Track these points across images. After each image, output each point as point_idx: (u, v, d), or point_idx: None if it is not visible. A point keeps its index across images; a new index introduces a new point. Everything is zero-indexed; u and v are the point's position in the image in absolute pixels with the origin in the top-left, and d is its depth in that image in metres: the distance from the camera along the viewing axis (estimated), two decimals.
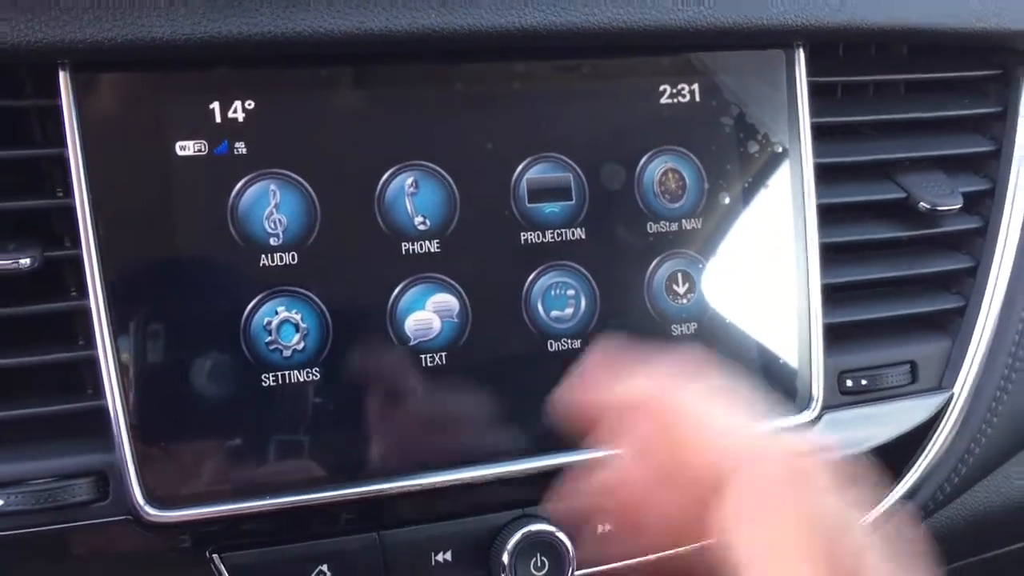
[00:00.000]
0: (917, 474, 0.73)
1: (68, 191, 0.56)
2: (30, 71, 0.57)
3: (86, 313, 0.56)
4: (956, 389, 0.73)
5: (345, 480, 0.59)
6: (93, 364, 0.56)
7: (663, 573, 0.63)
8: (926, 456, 0.73)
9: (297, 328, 0.59)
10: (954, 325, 0.75)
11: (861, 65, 0.75)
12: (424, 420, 0.61)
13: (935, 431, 0.73)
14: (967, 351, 0.74)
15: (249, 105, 0.59)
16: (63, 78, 0.55)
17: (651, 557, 0.62)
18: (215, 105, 0.58)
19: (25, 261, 0.55)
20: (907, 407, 0.72)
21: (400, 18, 0.58)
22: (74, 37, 0.53)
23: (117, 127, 0.57)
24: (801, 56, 0.69)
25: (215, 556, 0.57)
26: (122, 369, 0.56)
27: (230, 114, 0.58)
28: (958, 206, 0.73)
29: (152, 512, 0.56)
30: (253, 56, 0.58)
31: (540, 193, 0.64)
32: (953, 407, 0.73)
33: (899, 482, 0.73)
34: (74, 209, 0.55)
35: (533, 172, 0.64)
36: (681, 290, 0.67)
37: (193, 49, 0.56)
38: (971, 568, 0.90)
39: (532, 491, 0.62)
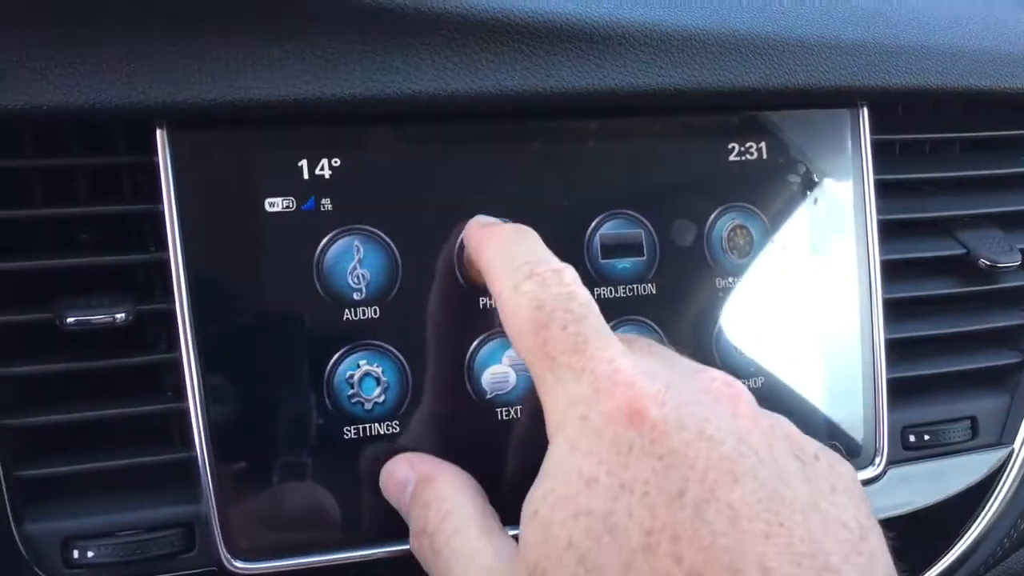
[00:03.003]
0: (978, 530, 0.74)
1: (161, 246, 0.57)
2: (124, 129, 0.58)
3: (174, 365, 0.57)
4: (1016, 444, 0.74)
5: None
6: (181, 416, 0.57)
7: None
8: (987, 513, 0.74)
9: (378, 381, 0.60)
10: (1013, 380, 0.76)
11: (920, 123, 0.76)
12: (501, 472, 0.62)
13: (996, 487, 0.74)
14: None
15: (335, 163, 0.60)
16: (160, 136, 0.57)
17: None
18: (303, 163, 0.59)
19: (120, 316, 0.56)
20: (968, 462, 0.73)
21: (486, 81, 0.60)
22: (175, 98, 0.55)
23: (209, 184, 0.58)
24: (865, 115, 0.71)
25: None
26: (210, 421, 0.57)
27: (317, 171, 0.60)
28: (1017, 263, 0.74)
29: (238, 564, 0.57)
30: (340, 115, 0.60)
31: (613, 249, 0.65)
32: (1014, 463, 0.74)
33: (960, 539, 0.73)
34: (168, 263, 0.57)
35: (606, 228, 0.65)
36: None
37: (287, 109, 0.57)
38: None
39: None
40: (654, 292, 0.66)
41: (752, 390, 0.66)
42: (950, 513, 0.72)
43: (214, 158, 0.58)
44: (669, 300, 0.66)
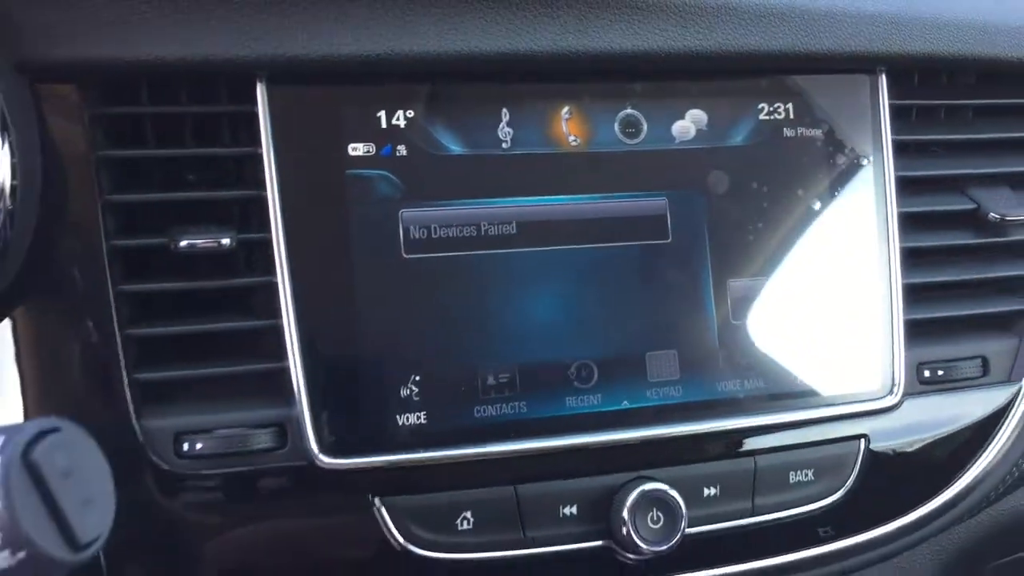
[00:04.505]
0: (987, 461, 0.80)
1: (259, 184, 0.65)
2: (225, 80, 0.67)
3: (270, 288, 0.65)
4: None
5: (489, 439, 0.67)
6: (275, 332, 0.65)
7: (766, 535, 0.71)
8: (995, 445, 0.80)
9: None
10: (1021, 325, 0.82)
11: (935, 90, 0.83)
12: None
13: (1005, 421, 0.80)
14: None
15: (410, 114, 0.68)
16: (260, 88, 0.65)
17: (755, 519, 0.70)
18: (382, 113, 0.68)
19: (226, 241, 0.64)
20: (979, 397, 0.80)
21: (542, 41, 0.68)
22: (275, 53, 0.64)
23: (301, 130, 0.66)
24: (883, 80, 0.78)
25: (377, 500, 0.66)
26: (301, 336, 0.65)
27: (394, 121, 0.68)
28: None
29: (325, 459, 0.65)
30: (414, 71, 0.68)
31: None
32: (1021, 399, 0.80)
33: (970, 468, 0.79)
34: (265, 199, 0.65)
35: None
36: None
37: (369, 64, 0.66)
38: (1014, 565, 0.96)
39: (647, 455, 0.70)
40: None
41: (782, 330, 0.74)
42: (962, 444, 0.79)
43: (305, 108, 0.67)
44: (712, 244, 0.73)
